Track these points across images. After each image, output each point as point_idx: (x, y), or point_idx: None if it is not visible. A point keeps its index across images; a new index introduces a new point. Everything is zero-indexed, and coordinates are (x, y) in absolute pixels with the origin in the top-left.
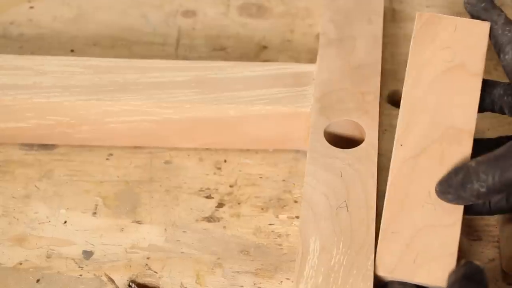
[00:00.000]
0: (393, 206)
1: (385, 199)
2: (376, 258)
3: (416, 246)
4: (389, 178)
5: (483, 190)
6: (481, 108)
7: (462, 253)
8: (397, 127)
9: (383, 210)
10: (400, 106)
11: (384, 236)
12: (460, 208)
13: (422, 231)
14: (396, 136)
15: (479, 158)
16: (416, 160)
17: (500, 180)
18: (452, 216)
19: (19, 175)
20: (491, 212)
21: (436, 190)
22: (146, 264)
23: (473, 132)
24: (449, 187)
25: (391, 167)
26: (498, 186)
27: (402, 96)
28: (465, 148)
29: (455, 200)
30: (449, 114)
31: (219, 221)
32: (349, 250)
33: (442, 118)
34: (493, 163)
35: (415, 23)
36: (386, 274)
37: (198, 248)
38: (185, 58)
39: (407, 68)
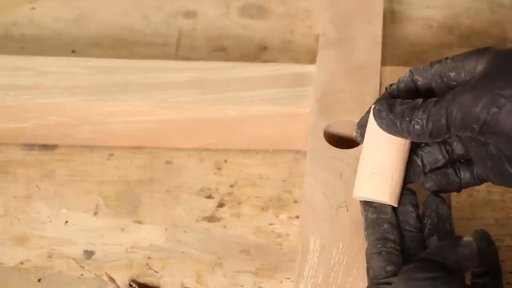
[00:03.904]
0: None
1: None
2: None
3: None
4: None
5: (417, 127)
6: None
7: None
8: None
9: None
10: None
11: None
12: None
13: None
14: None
15: (423, 100)
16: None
17: (433, 125)
18: None
19: (20, 175)
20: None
21: (375, 108)
22: (147, 264)
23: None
24: (391, 111)
25: None
26: (430, 130)
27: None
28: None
29: (387, 126)
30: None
31: (219, 221)
32: (349, 250)
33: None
34: (433, 108)
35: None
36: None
37: (198, 248)
38: (186, 58)
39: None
